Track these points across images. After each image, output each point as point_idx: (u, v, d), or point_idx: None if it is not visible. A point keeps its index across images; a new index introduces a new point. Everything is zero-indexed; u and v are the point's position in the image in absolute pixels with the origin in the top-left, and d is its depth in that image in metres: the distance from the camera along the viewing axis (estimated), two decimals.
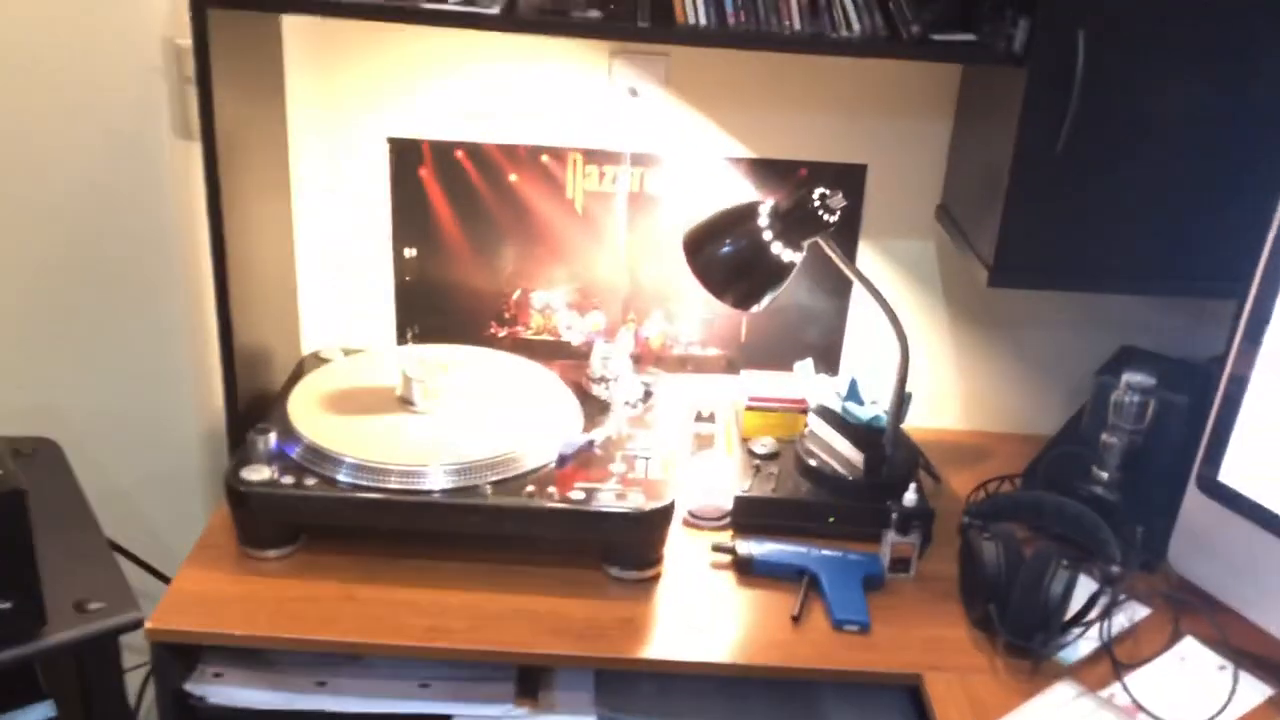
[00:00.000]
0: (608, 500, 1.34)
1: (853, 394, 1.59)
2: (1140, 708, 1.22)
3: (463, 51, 1.60)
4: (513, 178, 1.67)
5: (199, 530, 1.43)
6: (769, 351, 1.77)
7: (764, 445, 1.59)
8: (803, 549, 1.41)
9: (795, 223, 1.44)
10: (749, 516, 1.49)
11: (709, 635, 1.30)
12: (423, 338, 1.76)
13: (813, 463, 1.53)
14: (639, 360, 1.74)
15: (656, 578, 1.39)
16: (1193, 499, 1.34)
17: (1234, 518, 1.29)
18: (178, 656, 1.29)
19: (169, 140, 1.61)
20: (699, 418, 1.66)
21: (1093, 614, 1.29)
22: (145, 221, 1.65)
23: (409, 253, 1.71)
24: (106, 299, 1.69)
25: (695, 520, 1.50)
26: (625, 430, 1.50)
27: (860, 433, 1.54)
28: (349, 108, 1.63)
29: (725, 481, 1.53)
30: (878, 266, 1.74)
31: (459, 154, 1.65)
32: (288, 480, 1.34)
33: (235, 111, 1.41)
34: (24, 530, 1.17)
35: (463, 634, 1.27)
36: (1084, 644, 1.31)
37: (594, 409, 1.54)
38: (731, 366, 1.78)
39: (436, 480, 1.34)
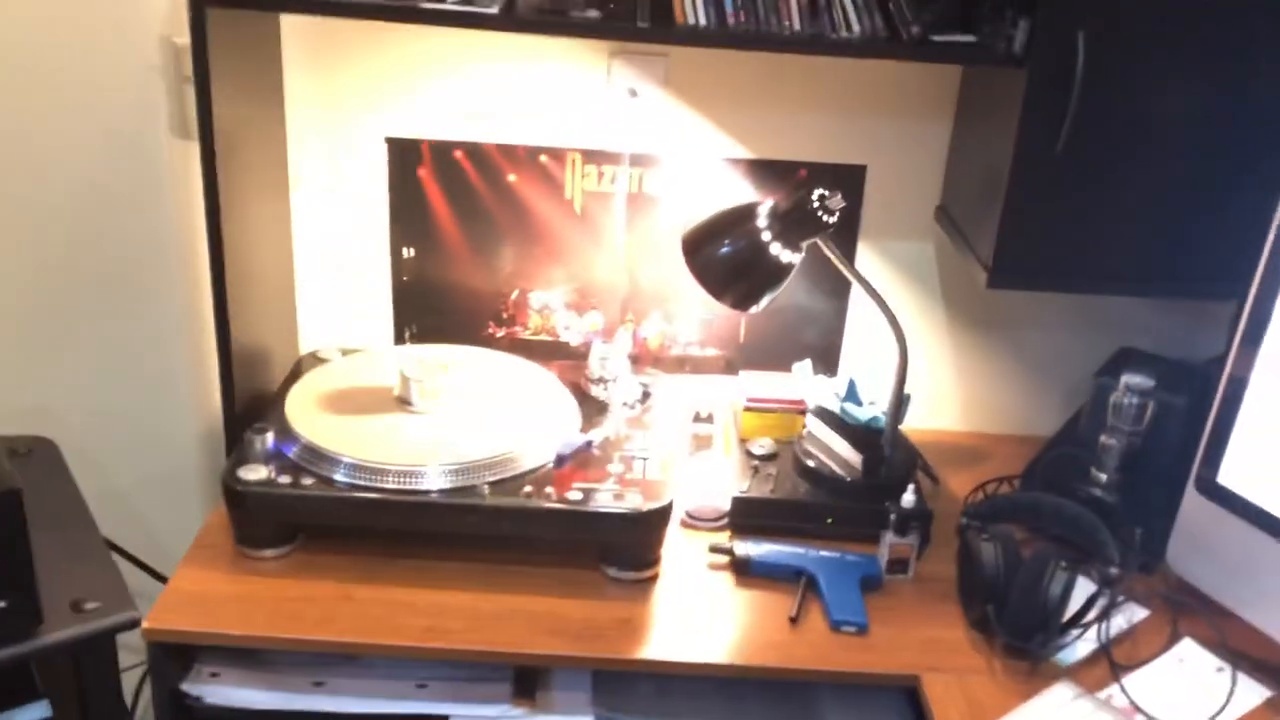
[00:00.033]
0: (605, 501, 1.34)
1: (851, 395, 1.59)
2: (1138, 709, 1.22)
3: (462, 51, 1.60)
4: (511, 178, 1.67)
5: (196, 530, 1.42)
6: (767, 352, 1.77)
7: (762, 446, 1.59)
8: (800, 550, 1.41)
9: (794, 223, 1.43)
10: (747, 517, 1.48)
11: (706, 636, 1.30)
12: (421, 338, 1.76)
13: (811, 464, 1.53)
14: (637, 361, 1.73)
15: (654, 578, 1.39)
16: (1191, 501, 1.34)
17: (1233, 519, 1.29)
18: (174, 656, 1.29)
19: (167, 139, 1.61)
20: (697, 418, 1.66)
21: (1091, 615, 1.29)
22: (143, 221, 1.65)
23: (407, 253, 1.71)
24: (104, 298, 1.69)
25: (693, 521, 1.50)
26: (623, 431, 1.50)
27: (858, 434, 1.54)
28: (348, 107, 1.63)
29: (723, 482, 1.53)
30: (877, 267, 1.74)
31: (458, 154, 1.65)
32: (285, 480, 1.33)
33: (234, 111, 1.40)
34: (20, 529, 1.17)
35: (460, 634, 1.27)
36: (1082, 645, 1.31)
37: (592, 409, 1.53)
38: (730, 367, 1.78)
39: (434, 480, 1.34)
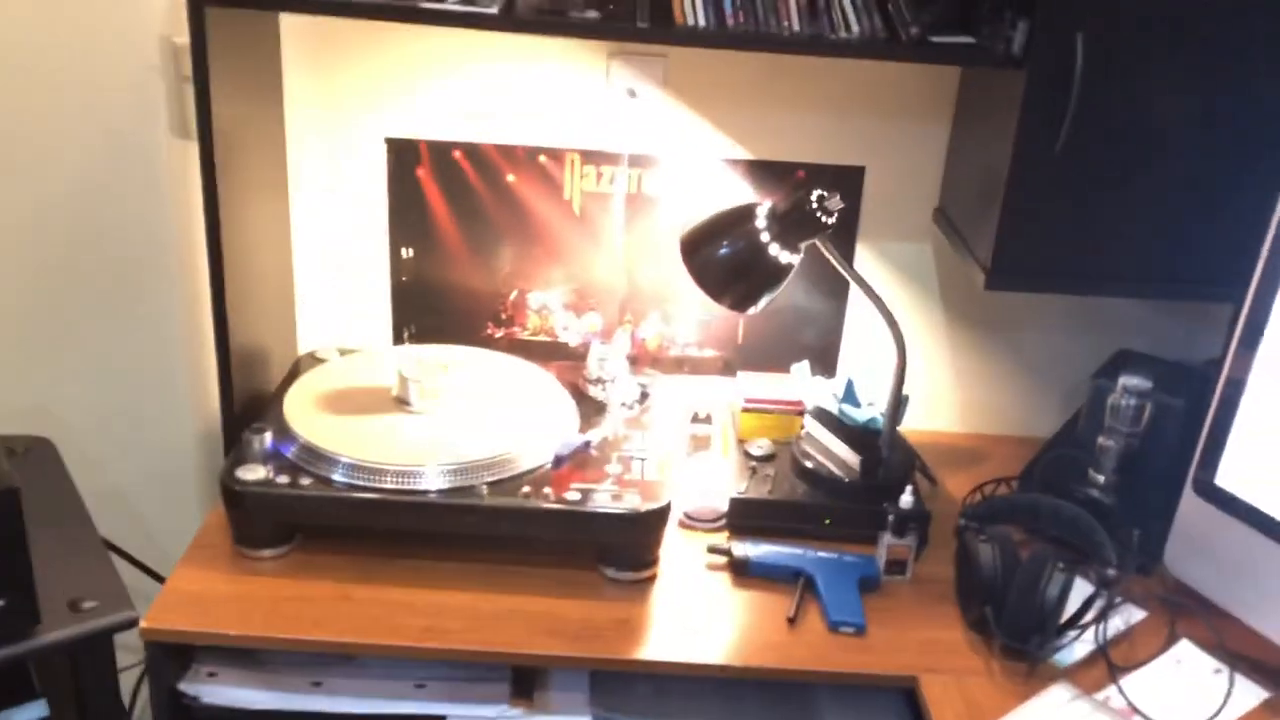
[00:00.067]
0: (604, 501, 1.34)
1: (849, 396, 1.59)
2: (1136, 710, 1.22)
3: (461, 52, 1.60)
4: (510, 178, 1.67)
5: (194, 530, 1.42)
6: (766, 353, 1.77)
7: (760, 447, 1.59)
8: (798, 551, 1.41)
9: (793, 224, 1.43)
10: (745, 518, 1.48)
11: (704, 636, 1.30)
12: (419, 338, 1.76)
13: (809, 464, 1.53)
14: (636, 361, 1.74)
15: (652, 579, 1.39)
16: (1189, 502, 1.34)
17: (1230, 521, 1.29)
18: (172, 656, 1.29)
19: (166, 139, 1.61)
20: (695, 419, 1.66)
21: (1089, 617, 1.29)
22: (142, 220, 1.65)
23: (406, 253, 1.71)
24: (102, 298, 1.69)
25: (691, 521, 1.50)
26: (621, 431, 1.50)
27: (857, 435, 1.54)
28: (347, 107, 1.63)
29: (721, 483, 1.53)
30: (875, 268, 1.74)
31: (457, 154, 1.65)
32: (283, 480, 1.33)
33: (233, 111, 1.40)
34: (18, 529, 1.17)
35: (458, 634, 1.27)
36: (1080, 647, 1.31)
37: (590, 410, 1.54)
38: (728, 368, 1.78)
39: (432, 480, 1.34)
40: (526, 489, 1.35)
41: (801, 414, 1.61)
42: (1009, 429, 1.84)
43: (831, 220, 1.42)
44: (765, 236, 1.44)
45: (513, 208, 1.68)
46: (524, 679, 1.33)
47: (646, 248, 1.71)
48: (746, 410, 1.64)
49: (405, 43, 1.59)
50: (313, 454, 1.36)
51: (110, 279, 1.68)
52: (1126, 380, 1.49)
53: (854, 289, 1.72)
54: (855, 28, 1.34)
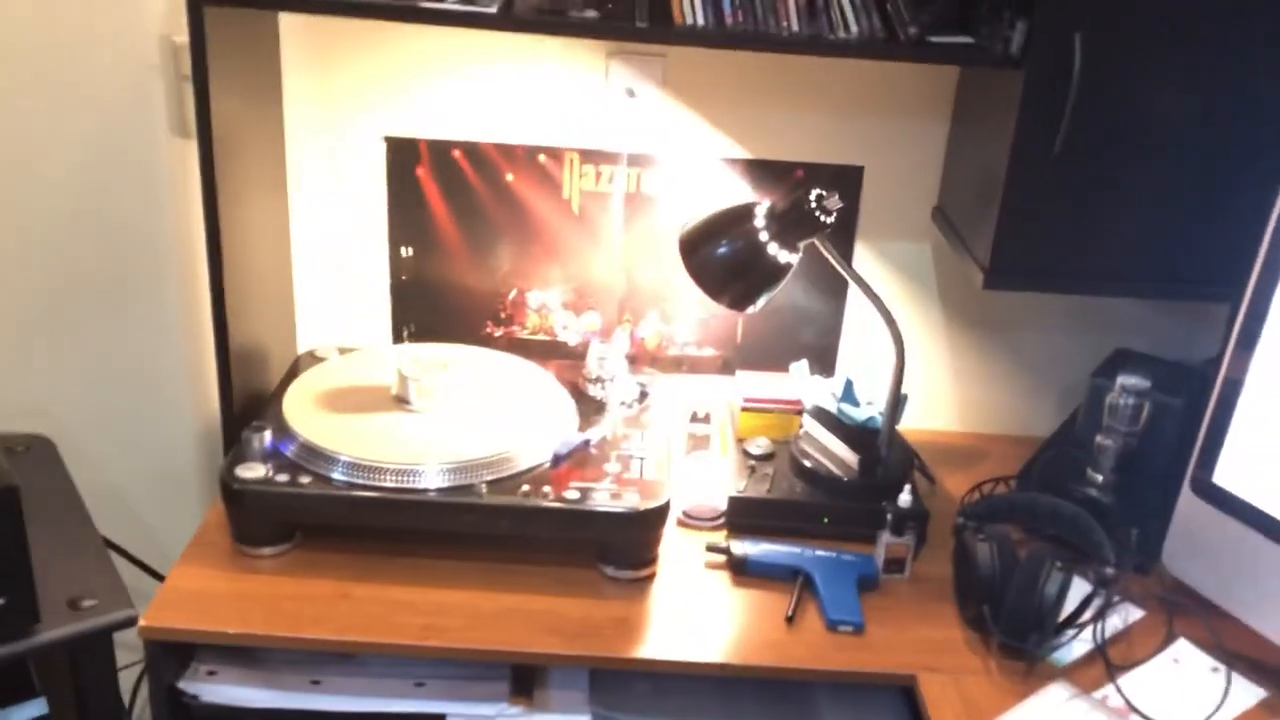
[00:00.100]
0: (603, 500, 1.34)
1: (848, 395, 1.59)
2: (1133, 709, 1.22)
3: (460, 51, 1.60)
4: (509, 177, 1.67)
5: (194, 528, 1.42)
6: (765, 352, 1.77)
7: (759, 446, 1.59)
8: (797, 549, 1.42)
9: (791, 224, 1.43)
10: (743, 517, 1.49)
11: (703, 635, 1.30)
12: (418, 337, 1.76)
13: (808, 464, 1.53)
14: (635, 360, 1.74)
15: (651, 577, 1.39)
16: (1187, 501, 1.35)
17: (1228, 520, 1.29)
18: (171, 654, 1.29)
19: (166, 138, 1.61)
20: (694, 418, 1.67)
21: (1087, 615, 1.30)
22: (141, 219, 1.65)
23: (405, 252, 1.71)
24: (102, 296, 1.69)
25: (690, 520, 1.50)
26: (620, 430, 1.50)
27: (855, 434, 1.54)
28: (346, 106, 1.63)
29: (720, 482, 1.53)
30: (874, 268, 1.74)
31: (456, 153, 1.65)
32: (282, 478, 1.33)
33: (232, 110, 1.41)
34: (18, 527, 1.17)
35: (458, 633, 1.27)
36: (1078, 645, 1.31)
37: (589, 409, 1.54)
38: (727, 367, 1.78)
39: (432, 479, 1.34)
40: (526, 487, 1.35)
41: (800, 413, 1.61)
42: (1007, 428, 1.84)
43: (830, 220, 1.42)
44: (764, 236, 1.44)
45: (512, 207, 1.68)
46: (523, 677, 1.33)
47: (645, 247, 1.71)
48: (745, 409, 1.64)
49: (404, 42, 1.59)
50: (312, 452, 1.36)
51: (110, 278, 1.68)
52: (1125, 379, 1.49)
53: (853, 288, 1.72)
54: (854, 27, 1.34)
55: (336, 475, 1.34)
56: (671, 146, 1.66)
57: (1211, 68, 1.30)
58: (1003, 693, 1.25)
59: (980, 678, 1.27)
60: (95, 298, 1.69)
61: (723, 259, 1.47)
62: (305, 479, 1.33)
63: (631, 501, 1.34)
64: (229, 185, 1.41)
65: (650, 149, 1.66)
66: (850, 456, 1.52)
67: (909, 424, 1.75)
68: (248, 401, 1.52)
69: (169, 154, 1.62)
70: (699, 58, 1.61)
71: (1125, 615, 1.38)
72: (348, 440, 1.37)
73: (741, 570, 1.41)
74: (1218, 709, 1.22)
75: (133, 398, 1.75)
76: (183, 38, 1.49)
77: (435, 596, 1.32)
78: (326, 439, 1.37)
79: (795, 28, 1.34)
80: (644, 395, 1.59)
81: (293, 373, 1.57)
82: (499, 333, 1.76)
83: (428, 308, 1.74)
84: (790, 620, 1.33)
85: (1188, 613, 1.36)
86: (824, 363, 1.78)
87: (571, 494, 1.34)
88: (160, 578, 1.66)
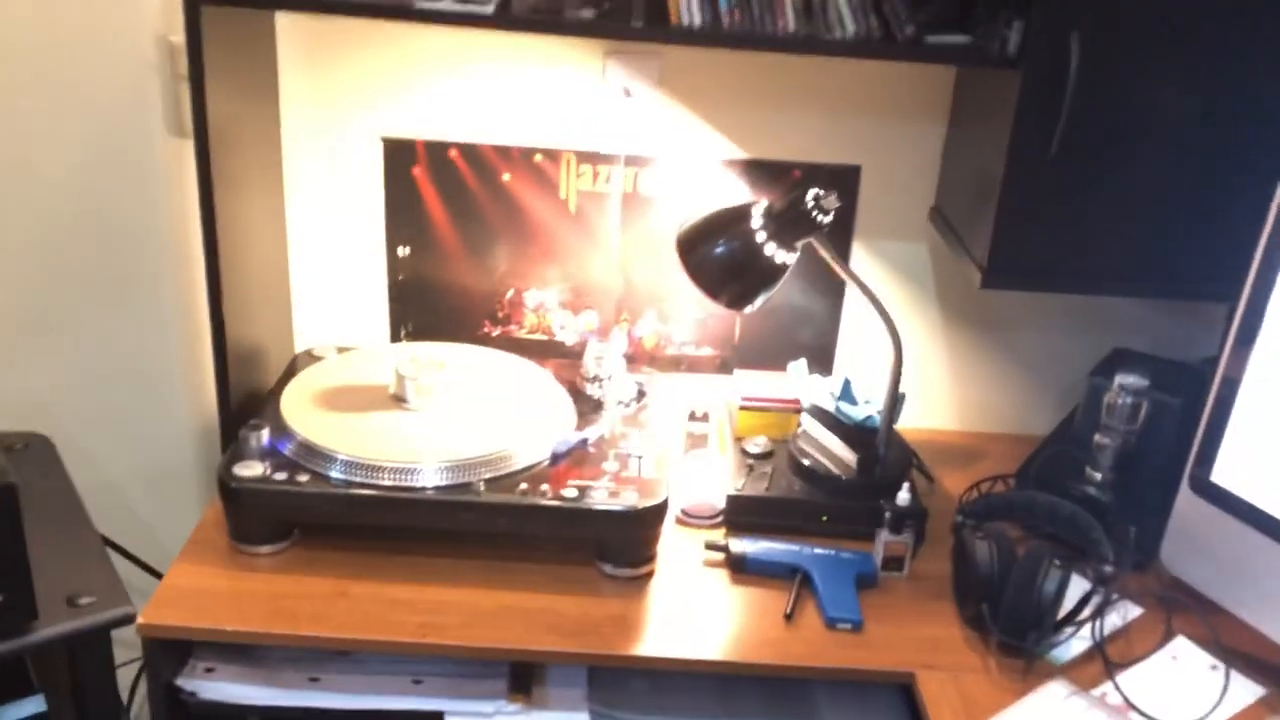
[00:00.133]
0: (601, 498, 1.34)
1: (846, 394, 1.59)
2: (1132, 707, 1.22)
3: (457, 51, 1.60)
4: (506, 177, 1.67)
5: (192, 526, 1.42)
6: (763, 352, 1.77)
7: (757, 445, 1.59)
8: (795, 547, 1.42)
9: (789, 224, 1.44)
10: (742, 515, 1.49)
11: (702, 633, 1.30)
12: (416, 336, 1.76)
13: (806, 462, 1.53)
14: (632, 360, 1.74)
15: (649, 575, 1.39)
16: (1185, 499, 1.35)
17: (1226, 518, 1.29)
18: (170, 652, 1.29)
19: (162, 137, 1.61)
20: (692, 417, 1.67)
21: (1085, 613, 1.30)
22: (138, 218, 1.65)
23: (402, 251, 1.71)
24: (99, 295, 1.69)
25: (688, 519, 1.50)
26: (618, 429, 1.50)
27: (853, 433, 1.54)
28: (343, 106, 1.63)
29: (718, 480, 1.53)
30: (871, 267, 1.74)
31: (453, 153, 1.65)
32: (280, 477, 1.33)
33: (228, 109, 1.41)
34: (15, 525, 1.16)
35: (456, 630, 1.27)
36: (1076, 643, 1.31)
37: (587, 408, 1.54)
38: (725, 366, 1.78)
39: (429, 477, 1.34)
40: (524, 486, 1.35)
41: (798, 412, 1.62)
42: (1006, 427, 1.84)
43: (827, 219, 1.42)
44: (761, 236, 1.44)
45: (509, 207, 1.68)
46: (522, 675, 1.33)
47: (643, 247, 1.71)
48: (743, 408, 1.64)
49: (401, 42, 1.60)
50: (310, 451, 1.36)
51: (107, 276, 1.68)
52: (1123, 378, 1.49)
53: (850, 288, 1.72)
54: (851, 27, 1.35)
55: (334, 474, 1.34)
56: (668, 147, 1.66)
57: (1208, 67, 1.30)
58: (1001, 690, 1.25)
59: (979, 675, 1.27)
60: (93, 296, 1.69)
61: (720, 259, 1.47)
62: (303, 477, 1.33)
63: (630, 500, 1.34)
64: (226, 184, 1.42)
65: (647, 149, 1.66)
66: (848, 455, 1.52)
67: (907, 423, 1.75)
68: (245, 400, 1.52)
69: (165, 153, 1.62)
70: (696, 58, 1.61)
71: (1124, 613, 1.38)
72: (345, 439, 1.37)
73: (740, 568, 1.41)
74: (1216, 706, 1.22)
75: (131, 396, 1.75)
76: (179, 37, 1.49)
77: (433, 594, 1.32)
78: (324, 437, 1.37)
79: (792, 27, 1.34)
80: (641, 394, 1.59)
81: (290, 371, 1.57)
82: (496, 332, 1.76)
83: (425, 307, 1.74)
84: (789, 618, 1.33)
85: (1186, 610, 1.36)
86: (822, 362, 1.78)
87: (569, 492, 1.34)
88: (158, 575, 1.65)
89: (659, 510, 1.36)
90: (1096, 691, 1.25)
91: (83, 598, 1.25)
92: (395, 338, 1.76)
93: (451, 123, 1.64)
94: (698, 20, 1.33)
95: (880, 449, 1.51)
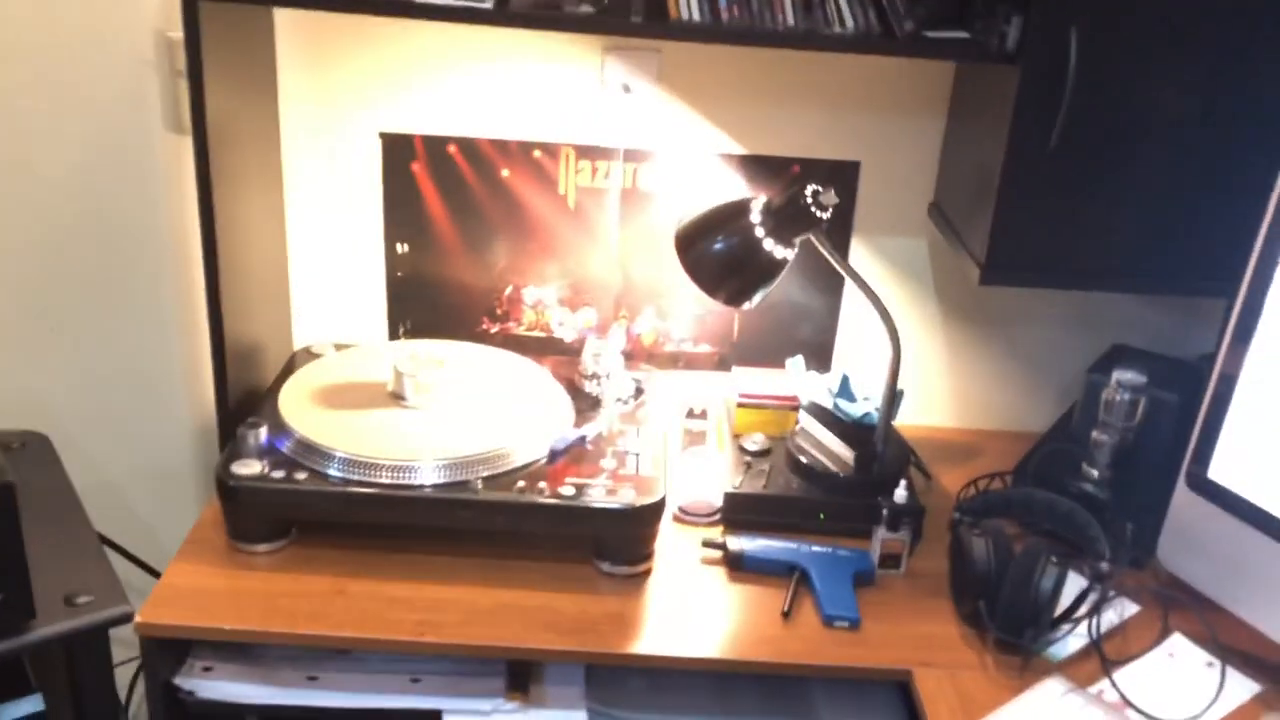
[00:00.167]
0: (598, 496, 1.34)
1: (844, 391, 1.59)
2: (1128, 704, 1.22)
3: (455, 46, 1.60)
4: (505, 173, 1.67)
5: (189, 524, 1.42)
6: (761, 348, 1.77)
7: (755, 442, 1.59)
8: (793, 545, 1.42)
9: (787, 219, 1.43)
10: (739, 513, 1.49)
11: (699, 631, 1.30)
12: (415, 333, 1.76)
13: (804, 459, 1.53)
14: (631, 357, 1.74)
15: (647, 573, 1.39)
16: (1182, 496, 1.35)
17: (1223, 515, 1.29)
18: (168, 650, 1.29)
19: (160, 134, 1.61)
20: (690, 414, 1.67)
21: (1082, 610, 1.30)
22: (136, 215, 1.65)
23: (401, 248, 1.71)
24: (97, 293, 1.69)
25: (686, 516, 1.50)
26: (616, 426, 1.50)
27: (851, 430, 1.54)
28: (341, 102, 1.63)
29: (716, 478, 1.53)
30: (870, 264, 1.74)
31: (451, 149, 1.65)
32: (278, 475, 1.33)
33: (227, 105, 1.40)
34: (13, 523, 1.16)
35: (454, 629, 1.27)
36: (1073, 640, 1.32)
37: (585, 405, 1.54)
38: (723, 363, 1.78)
39: (427, 475, 1.34)
40: (521, 484, 1.35)
41: (796, 409, 1.62)
42: (1003, 424, 1.84)
43: (826, 215, 1.42)
44: (760, 232, 1.44)
45: (507, 203, 1.68)
46: (519, 673, 1.33)
47: (641, 243, 1.71)
48: (741, 405, 1.64)
49: (399, 38, 1.59)
50: (308, 449, 1.36)
51: (105, 274, 1.68)
52: (1121, 375, 1.49)
53: (849, 284, 1.72)
54: (850, 23, 1.34)
55: (332, 471, 1.34)
56: (667, 142, 1.66)
57: (1207, 63, 1.30)
58: (998, 687, 1.25)
59: (976, 673, 1.27)
60: (90, 294, 1.69)
61: (718, 255, 1.47)
62: (301, 475, 1.34)
63: (627, 497, 1.34)
64: (224, 181, 1.41)
65: (646, 144, 1.66)
66: (846, 452, 1.52)
67: (905, 420, 1.75)
68: (243, 398, 1.51)
69: (164, 150, 1.62)
70: (694, 53, 1.61)
71: (1120, 610, 1.38)
72: (344, 436, 1.37)
73: (737, 566, 1.41)
74: (1212, 703, 1.22)
75: (129, 394, 1.75)
76: (177, 33, 1.49)
77: (431, 592, 1.32)
78: (322, 435, 1.37)
79: (791, 22, 1.34)
80: (640, 391, 1.59)
81: (288, 369, 1.57)
82: (495, 329, 1.76)
83: (424, 304, 1.74)
84: (786, 616, 1.33)
85: (1183, 607, 1.36)
86: (820, 358, 1.78)
87: (567, 490, 1.34)
88: (156, 574, 1.66)
89: (656, 508, 1.36)
90: (1093, 688, 1.25)
91: (80, 597, 1.25)
92: (394, 335, 1.76)
93: (450, 118, 1.64)
94: (696, 15, 1.33)
95: (878, 446, 1.51)
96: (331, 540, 1.38)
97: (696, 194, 1.63)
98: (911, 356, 1.78)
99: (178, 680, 1.29)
